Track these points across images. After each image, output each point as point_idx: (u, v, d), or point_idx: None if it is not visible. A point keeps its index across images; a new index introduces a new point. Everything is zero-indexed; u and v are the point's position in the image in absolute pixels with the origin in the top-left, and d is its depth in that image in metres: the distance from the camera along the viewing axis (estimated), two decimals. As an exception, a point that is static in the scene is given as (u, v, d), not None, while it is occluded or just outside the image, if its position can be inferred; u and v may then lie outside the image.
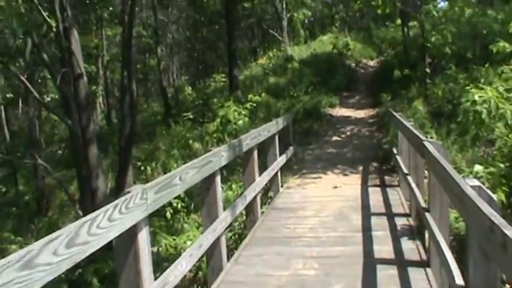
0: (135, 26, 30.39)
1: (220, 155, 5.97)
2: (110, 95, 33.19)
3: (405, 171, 8.19)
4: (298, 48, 28.03)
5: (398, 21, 25.54)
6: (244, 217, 8.11)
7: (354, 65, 25.81)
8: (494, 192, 6.82)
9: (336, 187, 10.18)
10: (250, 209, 7.85)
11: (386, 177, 10.69)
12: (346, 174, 11.19)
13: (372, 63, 27.36)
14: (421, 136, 5.96)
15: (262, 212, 8.76)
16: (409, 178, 7.58)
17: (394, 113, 10.14)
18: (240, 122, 13.83)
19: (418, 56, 17.33)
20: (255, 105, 15.63)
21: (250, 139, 7.59)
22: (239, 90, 18.74)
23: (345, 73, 22.49)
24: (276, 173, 9.82)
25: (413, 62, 17.48)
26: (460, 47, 15.39)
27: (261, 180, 8.17)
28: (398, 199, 8.88)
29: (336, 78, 20.48)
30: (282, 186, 10.39)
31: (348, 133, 15.12)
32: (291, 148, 11.77)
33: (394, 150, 10.31)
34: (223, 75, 24.37)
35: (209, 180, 5.75)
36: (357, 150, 13.20)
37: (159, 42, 25.96)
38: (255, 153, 8.00)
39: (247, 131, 12.54)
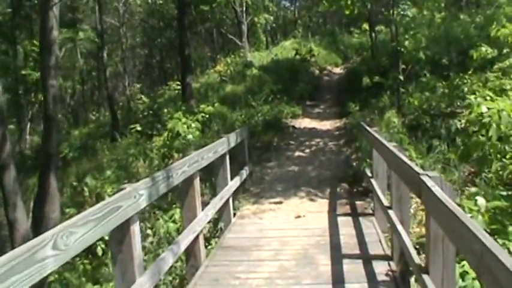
0: (84, 29, 28.56)
1: (136, 195, 4.24)
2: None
3: (385, 202, 6.58)
4: (258, 54, 26.39)
5: (364, 26, 24.24)
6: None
7: (318, 71, 24.30)
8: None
9: (299, 216, 8.50)
10: (190, 251, 6.17)
11: (357, 203, 9.07)
12: (311, 199, 9.52)
13: (337, 70, 25.94)
14: (415, 168, 4.32)
15: (211, 248, 7.14)
16: (391, 213, 5.97)
17: (368, 128, 8.54)
18: (190, 136, 12.11)
19: (389, 62, 15.92)
20: (207, 116, 13.92)
21: (188, 165, 5.87)
22: (193, 99, 17.00)
23: (308, 80, 20.86)
24: (227, 200, 8.14)
25: (383, 69, 16.04)
26: (434, 52, 13.97)
27: (203, 216, 6.45)
28: (374, 233, 7.27)
29: (299, 86, 18.86)
30: (234, 215, 8.69)
31: (313, 148, 13.51)
32: (247, 168, 10.10)
33: (368, 172, 8.72)
34: (178, 82, 22.56)
35: (121, 231, 4.06)
36: (323, 168, 11.59)
37: (104, 46, 23.95)
38: (197, 181, 6.30)
39: (198, 147, 10.90)
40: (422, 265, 4.25)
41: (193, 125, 12.51)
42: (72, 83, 36.51)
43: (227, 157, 8.21)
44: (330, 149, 13.27)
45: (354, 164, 11.36)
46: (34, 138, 29.40)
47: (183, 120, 12.91)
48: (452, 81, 11.32)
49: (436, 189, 3.64)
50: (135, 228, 4.23)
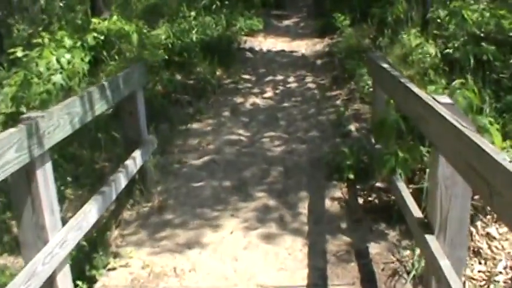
0: None
1: None
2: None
3: None
4: None
5: None
6: None
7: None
8: None
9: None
10: None
11: (373, 250, 3.97)
12: (269, 235, 4.33)
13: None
14: None
15: None
16: None
17: (424, 96, 3.32)
18: (58, 78, 6.76)
19: None
20: (102, 38, 8.37)
21: None
22: (108, 9, 11.17)
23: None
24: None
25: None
26: None
27: None
28: None
29: (261, -13, 13.29)
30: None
31: (279, 88, 8.30)
32: (139, 153, 4.83)
33: (409, 205, 3.60)
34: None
35: None
36: (296, 137, 6.35)
37: None
38: None
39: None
40: None
41: (66, 56, 7.12)
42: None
43: (40, 187, 2.95)
44: (308, 91, 8.07)
45: (352, 128, 6.21)
46: None
47: (64, 44, 7.55)
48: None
49: None
50: None
